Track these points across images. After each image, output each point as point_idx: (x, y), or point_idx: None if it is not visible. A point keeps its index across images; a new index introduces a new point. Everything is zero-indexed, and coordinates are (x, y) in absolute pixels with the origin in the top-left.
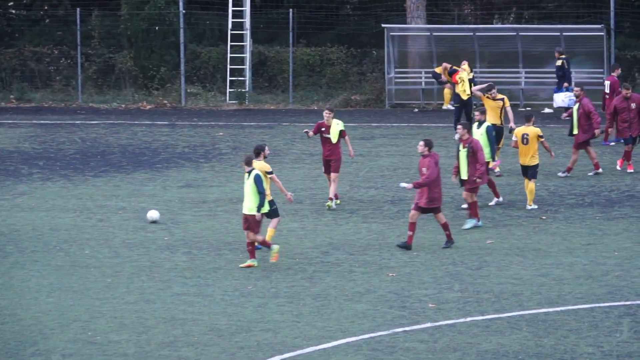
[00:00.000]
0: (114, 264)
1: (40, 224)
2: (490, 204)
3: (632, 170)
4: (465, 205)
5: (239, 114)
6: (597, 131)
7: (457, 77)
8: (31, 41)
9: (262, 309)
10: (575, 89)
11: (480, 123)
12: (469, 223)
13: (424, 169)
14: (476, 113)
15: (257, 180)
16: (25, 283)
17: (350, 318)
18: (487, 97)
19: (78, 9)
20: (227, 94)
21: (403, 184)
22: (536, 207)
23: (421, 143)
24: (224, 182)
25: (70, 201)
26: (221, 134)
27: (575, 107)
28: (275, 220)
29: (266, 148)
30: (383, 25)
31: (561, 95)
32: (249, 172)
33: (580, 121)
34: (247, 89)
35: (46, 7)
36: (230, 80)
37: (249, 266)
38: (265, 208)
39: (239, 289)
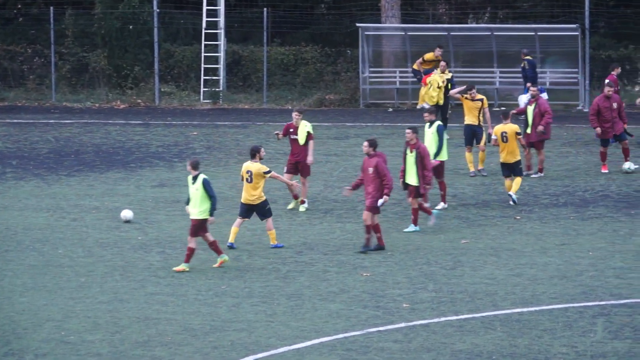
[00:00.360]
0: (88, 264)
1: (14, 224)
2: (437, 207)
3: (606, 171)
4: (441, 206)
5: (212, 114)
6: (540, 127)
7: (427, 79)
8: (4, 40)
9: (235, 308)
10: (532, 88)
11: (432, 123)
12: (411, 227)
13: (370, 169)
14: (425, 115)
15: (207, 185)
16: None
17: (324, 318)
18: (466, 98)
19: (52, 8)
20: (201, 94)
21: (381, 201)
22: (512, 202)
23: (365, 143)
24: None
25: (44, 200)
26: (195, 133)
27: (532, 107)
28: (269, 220)
29: (262, 150)
30: (357, 24)
31: (524, 97)
32: (195, 177)
33: (536, 120)
34: (221, 89)
35: (19, 6)
36: (204, 79)
37: (222, 262)
38: (206, 214)
39: (212, 288)
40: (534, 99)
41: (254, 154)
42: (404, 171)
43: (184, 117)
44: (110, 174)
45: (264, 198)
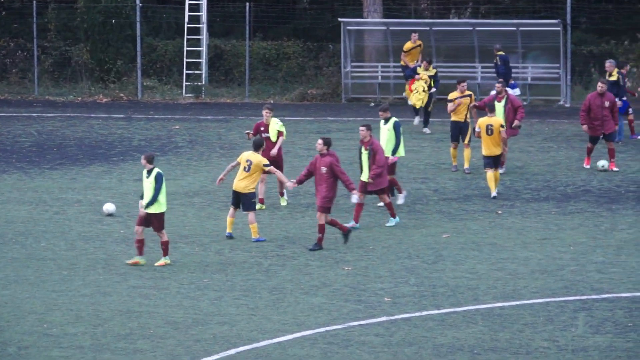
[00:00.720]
0: (70, 257)
1: None
2: (398, 202)
3: (587, 166)
4: (381, 204)
5: (195, 108)
6: (517, 122)
7: (412, 86)
8: None
9: (218, 302)
10: (497, 85)
11: (387, 120)
12: (392, 221)
13: (323, 169)
14: (380, 112)
15: (158, 179)
16: None
17: (306, 311)
18: (456, 98)
19: (34, 2)
20: (184, 88)
21: (354, 197)
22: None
23: (320, 142)
24: (180, 176)
25: (27, 194)
26: (177, 127)
27: (501, 103)
28: (252, 214)
29: (265, 143)
30: (339, 19)
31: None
32: (150, 171)
33: (509, 116)
34: (203, 83)
35: (2, 0)
36: (186, 73)
37: (136, 263)
38: (163, 207)
39: (194, 282)
40: (501, 95)
41: (257, 146)
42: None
43: (167, 111)
44: (93, 168)
45: (253, 190)
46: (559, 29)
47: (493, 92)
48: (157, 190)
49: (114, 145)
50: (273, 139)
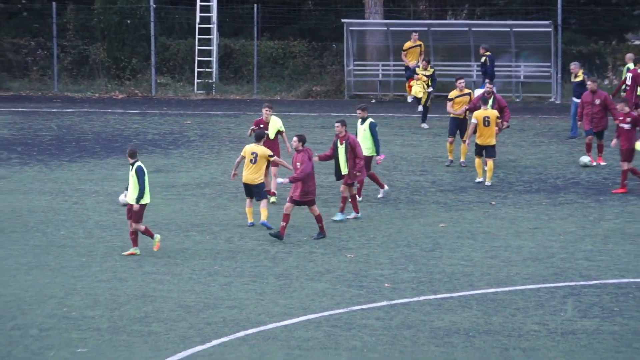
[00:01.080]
0: (88, 244)
1: (19, 206)
2: (378, 196)
3: (594, 163)
4: (381, 195)
5: (206, 104)
6: (505, 123)
7: (412, 91)
8: (9, 33)
9: (227, 287)
10: (489, 85)
11: (364, 119)
12: (338, 216)
13: (298, 164)
14: (358, 111)
15: (138, 173)
16: (5, 261)
17: (311, 296)
18: (452, 98)
19: (54, 3)
20: (195, 85)
21: (280, 180)
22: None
23: (295, 139)
24: (192, 168)
25: (47, 185)
26: (189, 122)
27: (490, 103)
28: (264, 201)
29: (266, 135)
30: (343, 20)
31: (479, 91)
32: (132, 164)
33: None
34: (214, 80)
35: (24, 1)
36: (198, 71)
37: (132, 254)
38: (146, 199)
39: (206, 268)
40: (489, 95)
41: (260, 138)
42: (325, 158)
43: (179, 107)
44: (110, 160)
45: (262, 181)
46: (550, 29)
47: (478, 90)
48: (141, 184)
49: (129, 139)
50: (271, 136)
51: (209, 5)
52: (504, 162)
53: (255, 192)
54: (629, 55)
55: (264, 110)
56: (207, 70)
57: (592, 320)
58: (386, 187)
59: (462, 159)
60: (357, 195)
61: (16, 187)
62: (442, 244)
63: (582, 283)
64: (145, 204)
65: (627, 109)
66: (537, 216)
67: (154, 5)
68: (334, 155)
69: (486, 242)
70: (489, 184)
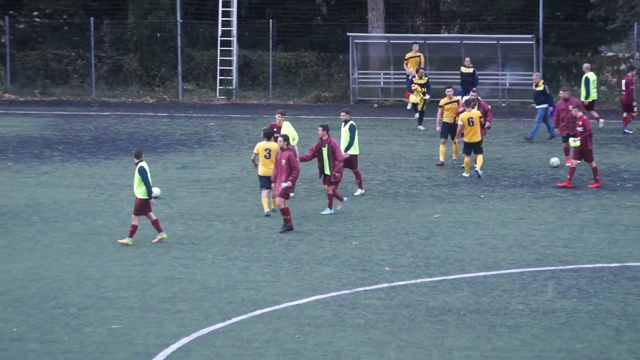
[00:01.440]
0: (123, 232)
1: (61, 198)
2: (355, 193)
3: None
4: (359, 192)
5: (227, 108)
6: (488, 124)
7: (410, 101)
8: (52, 45)
9: (246, 270)
10: (472, 93)
11: (346, 122)
12: (327, 211)
13: (283, 161)
14: (342, 113)
15: (140, 172)
16: (48, 247)
17: (320, 279)
18: (446, 104)
19: (92, 18)
20: (217, 91)
21: (284, 184)
22: (478, 177)
23: (281, 139)
24: (214, 164)
25: (86, 179)
26: (212, 124)
27: (475, 109)
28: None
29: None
30: (348, 33)
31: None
32: (137, 164)
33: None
34: (234, 87)
35: (65, 17)
36: (220, 79)
37: (161, 239)
38: (155, 194)
39: (226, 253)
40: (474, 102)
41: (269, 135)
42: (306, 159)
43: (203, 111)
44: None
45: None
46: (532, 42)
47: (462, 98)
48: (146, 181)
49: (158, 139)
50: (292, 143)
51: (229, 20)
52: (492, 160)
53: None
54: (586, 65)
55: (277, 116)
56: (228, 77)
57: (570, 301)
58: (345, 199)
59: (454, 157)
60: (360, 189)
61: (58, 181)
62: (436, 233)
63: (561, 267)
64: (147, 199)
65: (580, 114)
66: (521, 208)
67: (181, 20)
68: (318, 157)
69: (476, 231)
70: (481, 173)
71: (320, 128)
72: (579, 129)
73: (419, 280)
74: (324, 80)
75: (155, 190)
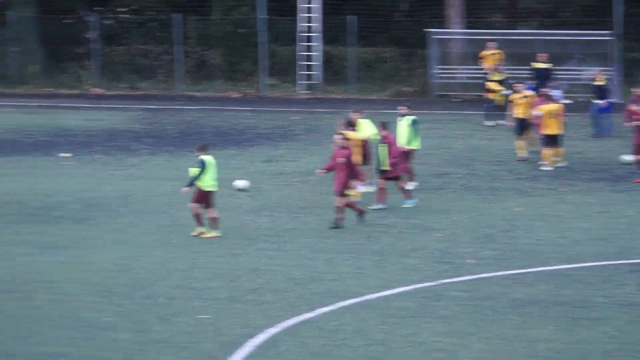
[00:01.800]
0: (208, 224)
1: (148, 191)
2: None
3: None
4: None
5: (310, 102)
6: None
7: (491, 97)
8: (138, 40)
9: (330, 262)
10: (547, 89)
11: (405, 116)
12: (409, 202)
13: (341, 159)
14: (402, 107)
15: (200, 164)
16: (136, 239)
17: (403, 271)
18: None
19: (176, 15)
20: (301, 85)
21: (360, 188)
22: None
23: (339, 137)
24: (298, 158)
25: (172, 172)
26: (296, 118)
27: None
28: (358, 183)
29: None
30: (428, 29)
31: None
32: (199, 157)
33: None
34: (317, 81)
35: (153, 13)
36: (303, 73)
37: (199, 234)
38: (211, 187)
39: (311, 245)
40: (548, 97)
41: (350, 125)
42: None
43: (286, 105)
44: (226, 151)
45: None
46: (610, 38)
47: (533, 92)
48: (200, 173)
49: (243, 133)
50: (368, 137)
51: (311, 16)
52: (571, 154)
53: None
54: None
55: (352, 115)
56: (310, 72)
57: None
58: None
59: (531, 149)
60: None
61: (146, 174)
62: (518, 226)
63: None
64: (210, 191)
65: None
66: (602, 202)
67: (265, 16)
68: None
69: (557, 224)
70: (563, 165)
71: (379, 125)
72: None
73: (501, 273)
74: (403, 75)
75: (243, 183)
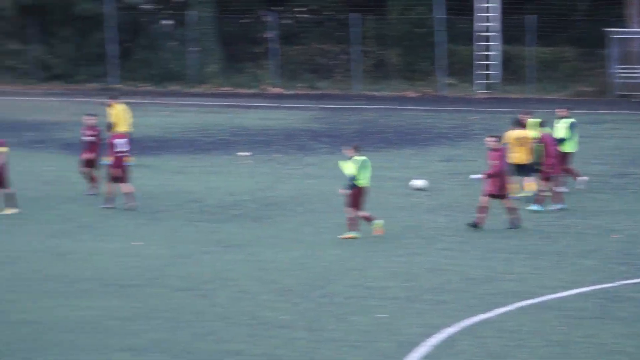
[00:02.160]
0: (387, 224)
1: (325, 190)
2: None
3: None
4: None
5: (489, 102)
6: None
7: None
8: (316, 40)
9: (507, 262)
10: None
11: (563, 118)
12: (556, 205)
13: (495, 161)
14: (561, 110)
15: (357, 163)
16: (313, 237)
17: (582, 272)
18: None
19: (354, 14)
20: (478, 85)
21: (473, 176)
22: None
23: (493, 139)
24: (476, 158)
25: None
26: (475, 118)
27: None
28: (529, 179)
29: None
30: (606, 29)
31: None
32: (351, 157)
33: None
34: (495, 81)
35: (331, 12)
36: (480, 73)
37: (349, 237)
38: (362, 183)
39: (488, 245)
40: None
41: (518, 124)
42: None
43: (464, 104)
44: (405, 150)
45: (529, 161)
46: None
47: None
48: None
49: (421, 132)
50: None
51: (488, 16)
52: None
53: (523, 171)
54: None
55: (521, 115)
56: (489, 72)
57: None
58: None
59: None
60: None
61: (323, 173)
62: None
63: None
64: (361, 188)
65: None
66: None
67: (443, 16)
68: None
69: None
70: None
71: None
72: None
73: None
74: (582, 75)
75: (421, 182)
